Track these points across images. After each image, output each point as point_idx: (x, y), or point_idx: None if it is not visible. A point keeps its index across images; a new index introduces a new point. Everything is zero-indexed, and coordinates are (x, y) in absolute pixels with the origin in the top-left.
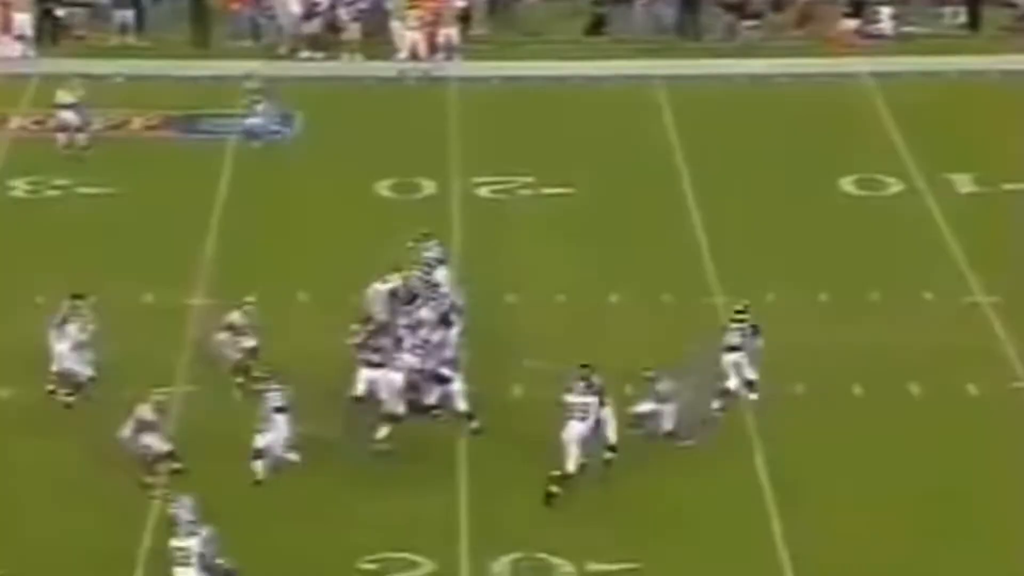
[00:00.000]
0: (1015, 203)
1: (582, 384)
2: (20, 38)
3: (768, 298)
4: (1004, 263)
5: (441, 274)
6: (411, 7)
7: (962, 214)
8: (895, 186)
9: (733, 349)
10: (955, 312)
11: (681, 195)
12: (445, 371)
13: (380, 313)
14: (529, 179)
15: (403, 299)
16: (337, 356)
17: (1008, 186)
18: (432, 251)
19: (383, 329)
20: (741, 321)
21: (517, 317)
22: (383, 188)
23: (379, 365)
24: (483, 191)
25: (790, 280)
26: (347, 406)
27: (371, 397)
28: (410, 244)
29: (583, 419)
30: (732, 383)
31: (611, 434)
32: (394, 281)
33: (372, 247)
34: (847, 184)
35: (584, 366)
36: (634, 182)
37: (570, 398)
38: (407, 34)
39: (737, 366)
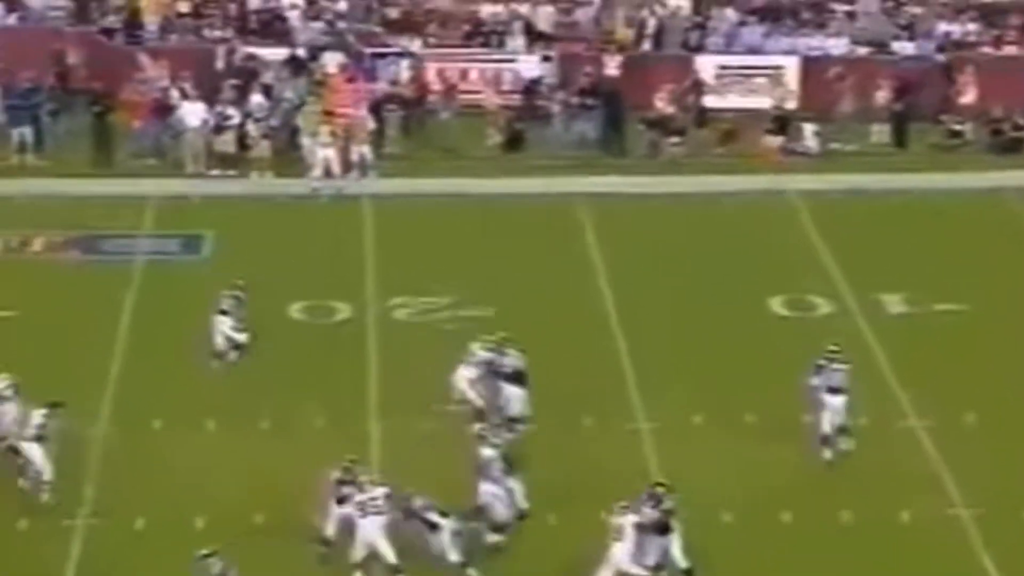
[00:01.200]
0: (946, 323)
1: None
2: None
3: (695, 420)
4: (936, 384)
5: None
6: (323, 123)
7: (893, 335)
8: (825, 306)
9: None
10: (887, 435)
11: (604, 316)
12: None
13: None
14: (447, 300)
15: None
16: (247, 482)
17: (939, 306)
18: None
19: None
20: None
21: (434, 446)
22: (296, 311)
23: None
24: (400, 314)
25: (717, 402)
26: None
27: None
28: None
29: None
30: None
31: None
32: None
33: (285, 372)
34: (776, 304)
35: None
36: (556, 304)
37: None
38: (319, 151)
39: None
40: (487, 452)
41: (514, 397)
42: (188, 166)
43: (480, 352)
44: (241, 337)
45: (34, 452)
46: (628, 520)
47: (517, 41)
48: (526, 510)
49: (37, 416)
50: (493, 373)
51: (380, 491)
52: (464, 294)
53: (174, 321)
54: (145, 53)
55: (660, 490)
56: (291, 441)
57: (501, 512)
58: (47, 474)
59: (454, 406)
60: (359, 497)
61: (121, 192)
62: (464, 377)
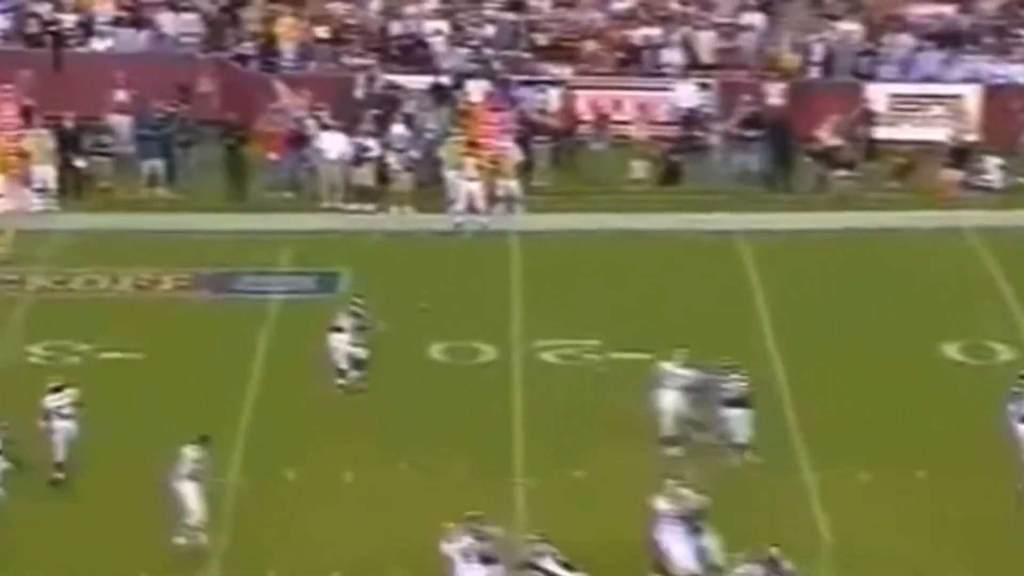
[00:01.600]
0: None
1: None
2: (41, 191)
3: (861, 477)
4: None
5: None
6: (467, 155)
7: None
8: (1006, 353)
9: None
10: None
11: (766, 360)
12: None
13: None
14: (598, 341)
15: None
16: (384, 536)
17: None
18: None
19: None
20: None
21: (584, 496)
22: (437, 352)
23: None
24: (547, 356)
25: (885, 455)
26: None
27: None
28: None
29: None
30: None
31: None
32: None
33: (425, 418)
34: (952, 350)
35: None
36: (714, 347)
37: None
38: (463, 184)
39: None
40: (669, 506)
41: (740, 421)
42: (325, 200)
43: (682, 371)
44: (362, 353)
45: (187, 492)
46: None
47: (674, 68)
48: (721, 565)
49: (190, 453)
50: (709, 397)
51: (497, 538)
52: (616, 335)
53: (309, 363)
54: (281, 81)
55: (775, 552)
56: (431, 492)
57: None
58: (198, 516)
59: (605, 453)
60: (479, 546)
61: (255, 227)
62: (667, 399)
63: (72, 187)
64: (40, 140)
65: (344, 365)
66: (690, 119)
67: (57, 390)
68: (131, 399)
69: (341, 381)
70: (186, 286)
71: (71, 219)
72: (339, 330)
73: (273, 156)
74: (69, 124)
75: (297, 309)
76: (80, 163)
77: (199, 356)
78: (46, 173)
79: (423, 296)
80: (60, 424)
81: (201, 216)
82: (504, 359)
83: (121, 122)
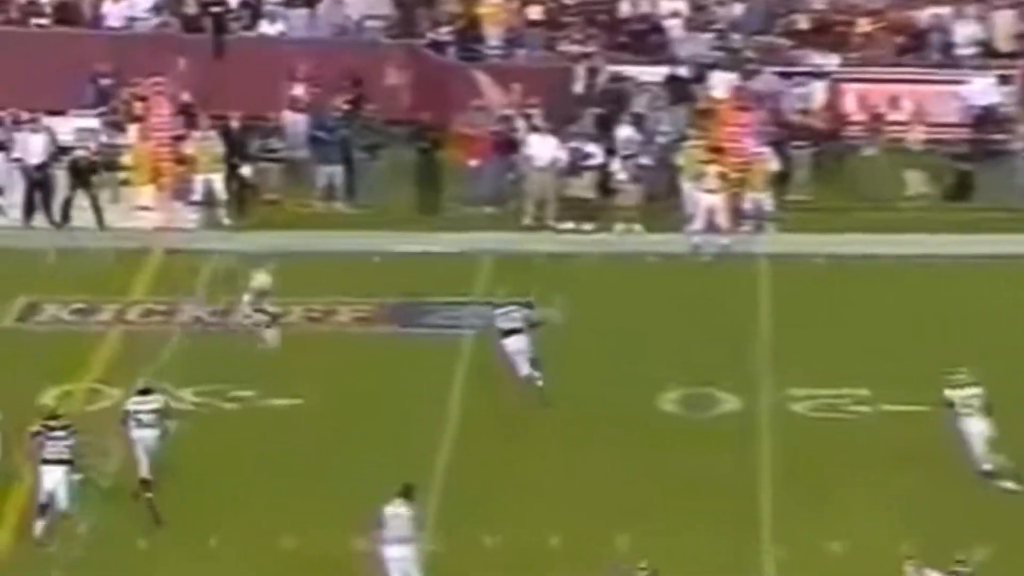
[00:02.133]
0: None
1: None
2: (199, 204)
3: None
4: None
5: None
6: (708, 162)
7: None
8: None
9: None
10: None
11: None
12: None
13: None
14: (866, 392)
15: None
16: None
17: None
18: None
19: None
20: None
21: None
22: (668, 401)
23: None
24: (801, 407)
25: None
26: None
27: None
28: None
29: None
30: None
31: None
32: None
33: (653, 479)
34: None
35: None
36: (1015, 401)
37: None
38: (703, 198)
39: None
40: None
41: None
42: (533, 216)
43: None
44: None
45: (399, 556)
46: None
47: (968, 56)
48: None
49: (396, 511)
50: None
51: None
52: (886, 383)
53: (512, 409)
54: (484, 72)
55: None
56: (661, 561)
57: None
58: None
59: (866, 524)
60: None
61: (450, 249)
62: (973, 425)
63: (234, 199)
64: (207, 144)
65: (526, 370)
66: (985, 119)
67: (144, 392)
68: (301, 455)
69: (539, 383)
70: (367, 318)
71: (232, 238)
72: (513, 333)
73: (474, 163)
74: (234, 124)
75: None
76: (245, 171)
77: (382, 402)
78: (213, 183)
79: (649, 334)
80: (139, 433)
81: (386, 235)
82: (749, 410)
83: (294, 121)
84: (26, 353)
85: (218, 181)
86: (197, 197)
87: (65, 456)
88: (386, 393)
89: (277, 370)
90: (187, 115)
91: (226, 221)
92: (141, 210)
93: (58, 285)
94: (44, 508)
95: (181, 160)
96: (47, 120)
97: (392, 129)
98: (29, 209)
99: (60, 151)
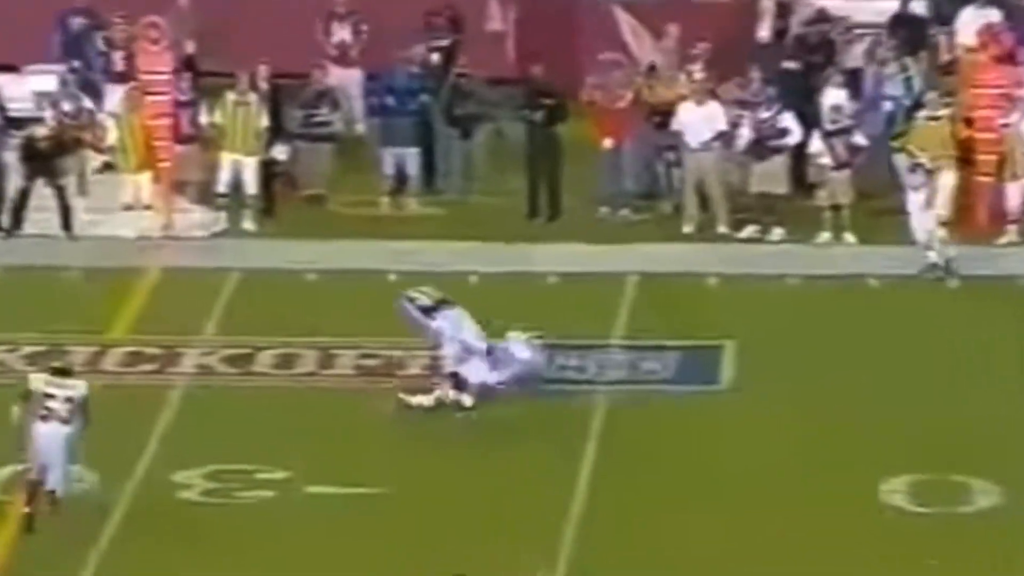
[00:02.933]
0: None
1: None
2: (221, 199)
3: None
4: None
5: None
6: (950, 140)
7: None
8: None
9: None
10: None
11: None
12: None
13: None
14: None
15: None
16: None
17: None
18: None
19: None
20: None
21: None
22: (895, 491)
23: None
24: None
25: None
26: None
27: None
28: None
29: None
30: None
31: None
32: None
33: None
34: None
35: None
36: None
37: None
38: (943, 188)
39: None
40: None
41: None
42: (695, 218)
43: None
44: None
45: None
46: None
47: None
48: None
49: None
50: None
51: None
52: None
53: (665, 502)
54: (627, 11)
55: None
56: None
57: None
58: None
59: None
60: None
61: (576, 268)
62: None
63: (260, 195)
64: (246, 111)
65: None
66: None
67: (61, 373)
68: (359, 560)
69: None
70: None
71: (256, 248)
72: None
73: (610, 142)
74: (263, 84)
75: (653, 408)
76: (279, 153)
77: (479, 493)
78: (243, 169)
79: (867, 393)
80: (46, 428)
81: (482, 247)
82: (1015, 504)
83: (347, 81)
84: None
85: (251, 168)
86: (222, 188)
87: None
88: (484, 479)
89: (323, 442)
90: (192, 72)
91: (249, 225)
92: (127, 210)
93: (4, 320)
94: None
95: (185, 137)
96: None
97: (493, 93)
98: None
99: (9, 124)
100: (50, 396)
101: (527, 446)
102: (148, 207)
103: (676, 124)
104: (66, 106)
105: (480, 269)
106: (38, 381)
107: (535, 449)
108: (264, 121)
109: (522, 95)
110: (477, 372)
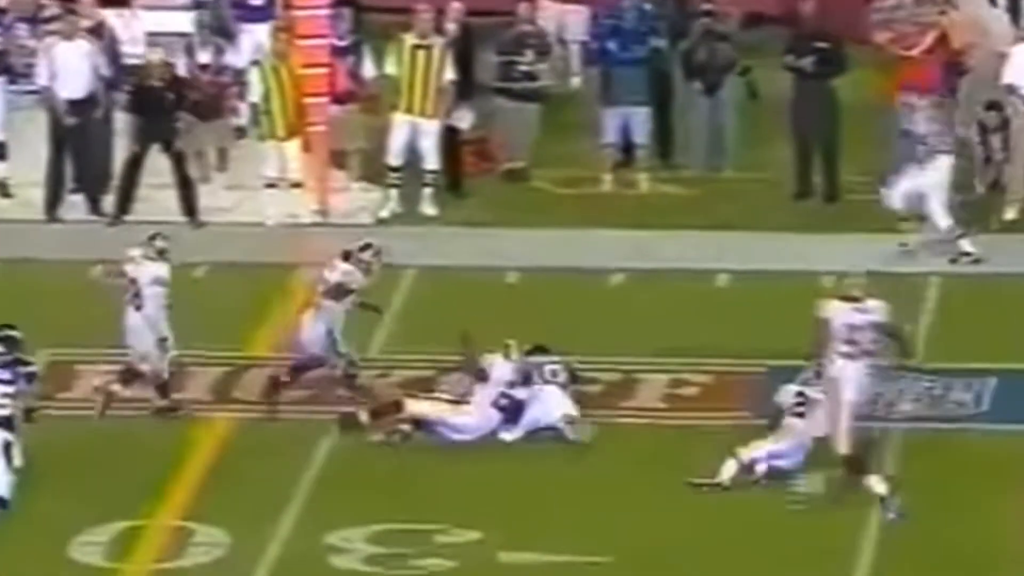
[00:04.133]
0: None
1: None
2: (396, 175)
3: None
4: None
5: None
6: None
7: None
8: None
9: None
10: None
11: None
12: None
13: None
14: None
15: None
16: None
17: None
18: None
19: None
20: None
21: None
22: None
23: None
24: None
25: None
26: None
27: None
28: None
29: None
30: None
31: None
32: None
33: None
34: None
35: None
36: None
37: None
38: None
39: None
40: None
41: None
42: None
43: None
44: None
45: None
46: None
47: None
48: None
49: None
50: None
51: None
52: None
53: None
54: None
55: None
56: None
57: None
58: None
59: None
60: None
61: (856, 264)
62: None
63: (444, 168)
64: (426, 55)
65: None
66: None
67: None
68: None
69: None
70: (698, 395)
71: (438, 238)
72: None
73: (903, 99)
74: (452, 24)
75: (959, 451)
76: (461, 120)
77: (725, 562)
78: (423, 136)
79: None
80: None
81: (733, 238)
82: None
83: (565, 20)
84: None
85: (432, 134)
86: (394, 160)
87: None
88: (738, 543)
89: (523, 494)
90: (355, 6)
91: (428, 209)
92: (270, 188)
93: (99, 331)
94: None
95: (344, 95)
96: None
97: (748, 36)
98: (55, 189)
99: (121, 74)
100: None
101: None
102: (297, 184)
103: (1008, 74)
104: (203, 56)
105: (732, 267)
106: None
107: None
108: (450, 73)
109: (787, 39)
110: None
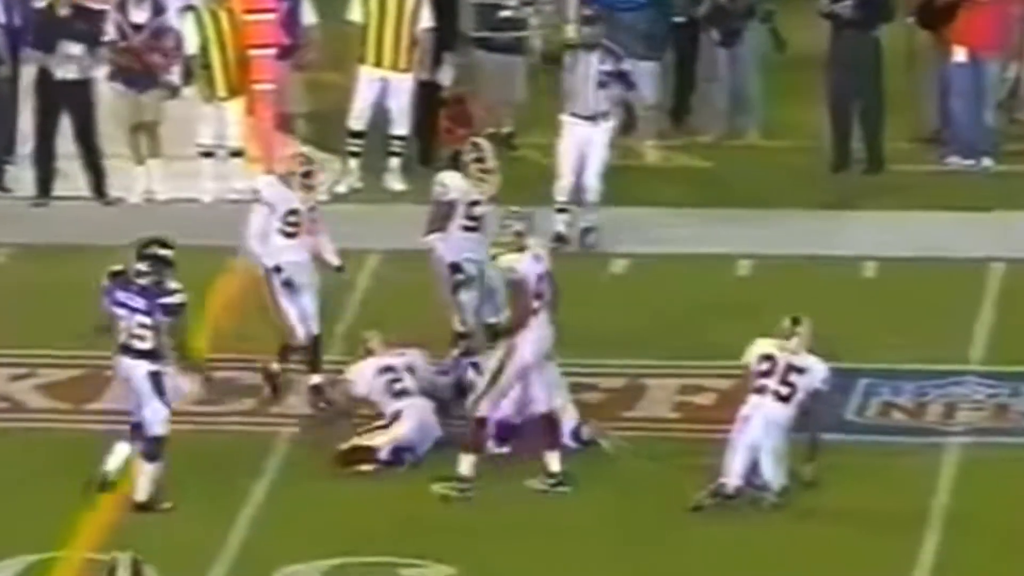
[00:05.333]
0: None
1: None
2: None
3: None
4: None
5: None
6: None
7: None
8: None
9: None
10: None
11: None
12: None
13: None
14: None
15: None
16: None
17: None
18: None
19: None
20: None
21: None
22: None
23: None
24: None
25: None
26: None
27: None
28: None
29: None
30: None
31: None
32: None
33: None
34: None
35: None
36: None
37: None
38: None
39: None
40: None
41: None
42: None
43: None
44: None
45: None
46: None
47: None
48: None
49: None
50: None
51: None
52: None
53: None
54: None
55: None
56: None
57: None
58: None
59: None
60: None
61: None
62: None
63: (415, 133)
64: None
65: None
66: None
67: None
68: None
69: None
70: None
71: (406, 218)
72: None
73: (961, 53)
74: None
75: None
76: (443, 74)
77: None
78: (391, 94)
79: None
80: None
81: (759, 217)
82: None
83: None
84: None
85: (403, 92)
86: (356, 124)
87: None
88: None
89: (505, 526)
90: None
91: (394, 183)
92: (206, 157)
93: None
94: None
95: (289, 47)
96: None
97: None
98: (44, 172)
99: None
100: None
101: (844, 525)
102: (238, 153)
103: None
104: (137, 14)
105: (756, 251)
106: None
107: (853, 525)
108: (427, 19)
109: None
110: None
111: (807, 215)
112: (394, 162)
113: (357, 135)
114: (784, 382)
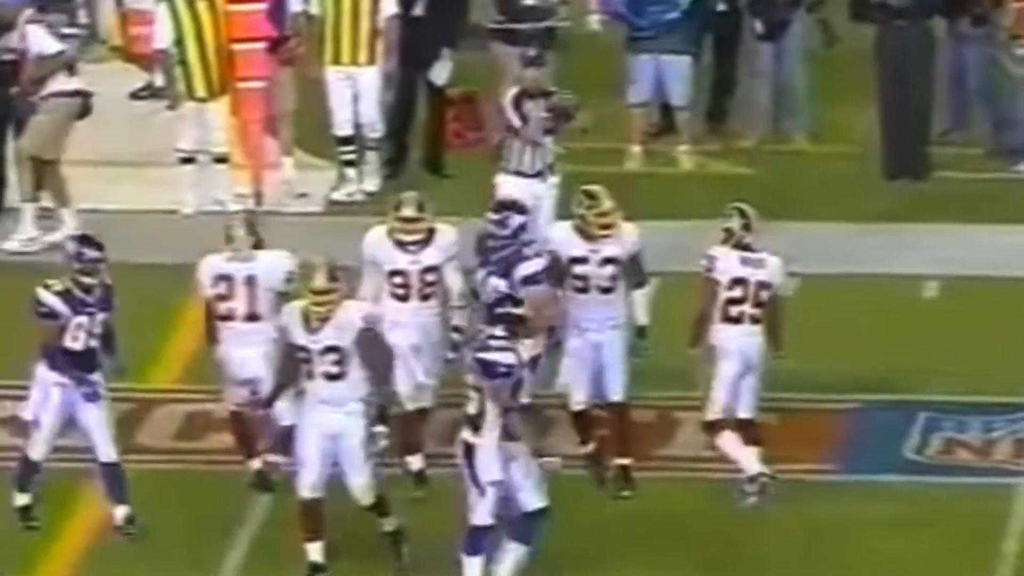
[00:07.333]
0: None
1: None
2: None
3: None
4: None
5: None
6: None
7: None
8: None
9: None
10: None
11: None
12: None
13: None
14: None
15: None
16: None
17: None
18: None
19: None
20: None
21: None
22: None
23: None
24: None
25: None
26: None
27: None
28: None
29: None
30: None
31: None
32: None
33: None
34: None
35: None
36: None
37: None
38: None
39: None
40: None
41: None
42: None
43: None
44: None
45: None
46: None
47: None
48: None
49: None
50: None
51: None
52: None
53: None
54: None
55: None
56: None
57: None
58: None
59: None
60: None
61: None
62: None
63: (422, 139)
64: None
65: None
66: None
67: None
68: None
69: None
70: (788, 439)
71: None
72: None
73: None
74: None
75: None
76: (438, 72)
77: None
78: (360, 91)
79: None
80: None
81: (805, 230)
82: None
83: None
84: None
85: (372, 87)
86: (340, 129)
87: None
88: None
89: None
90: None
91: (369, 185)
92: (186, 163)
93: None
94: None
95: (281, 39)
96: None
97: None
98: None
99: None
100: None
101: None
102: (222, 159)
103: None
104: None
105: (802, 269)
106: None
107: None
108: (391, 6)
109: None
110: None
111: (859, 228)
112: (370, 157)
113: (345, 141)
114: (757, 303)
